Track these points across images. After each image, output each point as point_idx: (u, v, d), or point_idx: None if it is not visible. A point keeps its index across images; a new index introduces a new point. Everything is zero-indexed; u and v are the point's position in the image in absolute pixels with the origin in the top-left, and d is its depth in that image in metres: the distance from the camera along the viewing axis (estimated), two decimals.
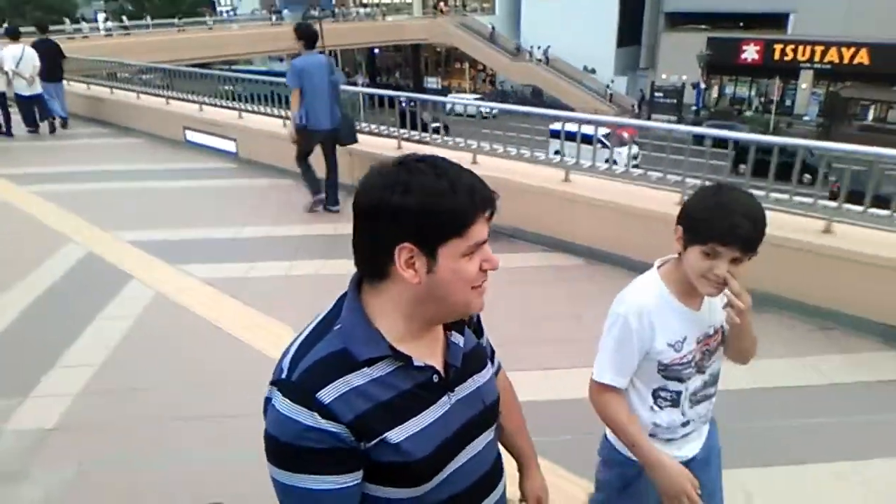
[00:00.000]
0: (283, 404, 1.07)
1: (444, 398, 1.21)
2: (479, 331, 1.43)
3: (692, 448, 1.91)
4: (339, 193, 6.67)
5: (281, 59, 54.36)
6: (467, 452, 1.25)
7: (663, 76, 36.70)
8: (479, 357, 1.35)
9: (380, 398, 1.11)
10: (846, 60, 32.26)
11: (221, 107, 9.54)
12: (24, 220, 6.67)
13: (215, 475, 3.02)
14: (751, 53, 34.75)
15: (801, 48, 33.21)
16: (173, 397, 3.73)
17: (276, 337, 4.15)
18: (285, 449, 1.08)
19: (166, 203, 7.39)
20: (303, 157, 6.50)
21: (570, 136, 5.95)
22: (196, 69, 10.46)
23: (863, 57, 31.81)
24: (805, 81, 33.79)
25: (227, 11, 53.89)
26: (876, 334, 4.17)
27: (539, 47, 39.30)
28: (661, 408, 1.82)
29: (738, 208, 1.54)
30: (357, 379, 1.10)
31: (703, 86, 34.63)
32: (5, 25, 14.60)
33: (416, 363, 1.16)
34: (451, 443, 1.21)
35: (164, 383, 3.87)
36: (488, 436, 1.33)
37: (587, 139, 5.98)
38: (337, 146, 6.55)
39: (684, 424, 1.84)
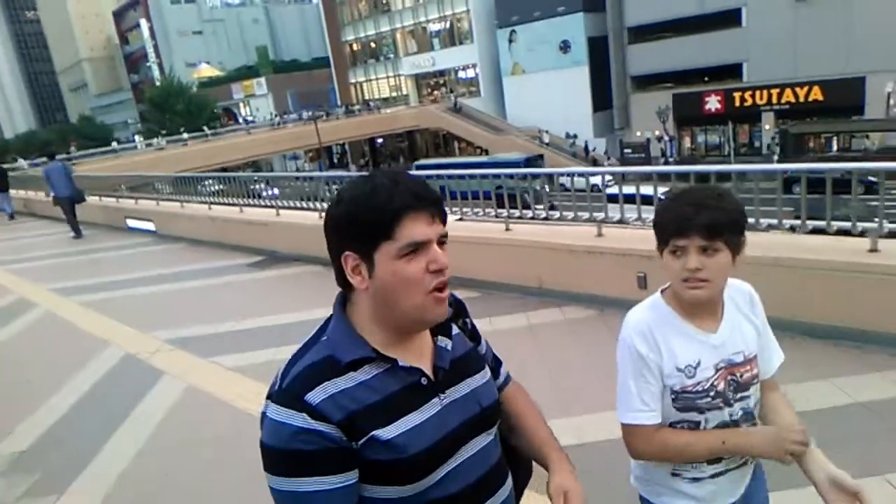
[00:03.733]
0: (274, 411, 1.06)
1: (435, 399, 1.16)
2: (475, 337, 1.37)
3: (728, 495, 1.58)
4: None
5: (296, 157, 56.11)
6: (464, 453, 1.20)
7: (637, 133, 37.36)
8: (473, 361, 1.29)
9: (367, 400, 1.08)
10: (802, 99, 32.67)
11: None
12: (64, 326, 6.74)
13: None
14: (713, 103, 35.29)
15: (758, 93, 33.74)
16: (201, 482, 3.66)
17: None
18: (279, 454, 1.05)
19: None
20: None
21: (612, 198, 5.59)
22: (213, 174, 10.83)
23: (816, 94, 32.20)
24: (767, 123, 34.12)
25: (248, 119, 55.75)
26: None
27: (561, 135, 40.09)
28: None
29: (689, 200, 1.43)
30: (344, 382, 1.08)
31: (667, 137, 35.11)
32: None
33: (401, 364, 1.12)
34: (445, 442, 1.15)
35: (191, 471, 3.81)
36: (487, 437, 1.25)
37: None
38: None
39: (712, 462, 1.53)
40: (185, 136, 38.04)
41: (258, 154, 39.92)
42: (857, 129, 30.07)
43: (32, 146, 54.51)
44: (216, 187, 11.04)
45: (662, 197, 1.74)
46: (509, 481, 1.31)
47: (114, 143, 39.20)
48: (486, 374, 1.30)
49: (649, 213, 5.42)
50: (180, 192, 11.76)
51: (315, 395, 1.04)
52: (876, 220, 4.13)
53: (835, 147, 31.03)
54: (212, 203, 10.46)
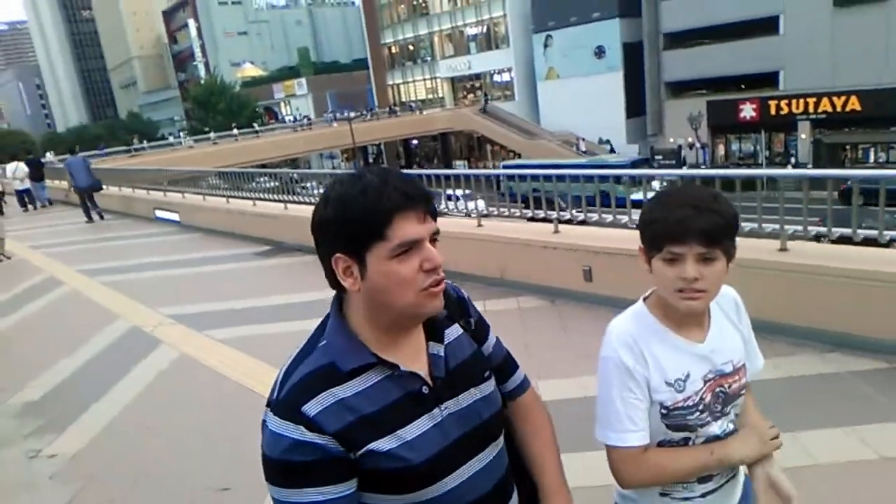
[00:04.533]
0: (272, 421, 1.05)
1: (435, 410, 1.14)
2: (479, 335, 1.31)
3: None
4: None
5: (332, 157, 57.36)
6: (472, 466, 1.17)
7: (671, 140, 37.20)
8: (474, 369, 1.23)
9: (365, 411, 1.06)
10: (839, 108, 32.06)
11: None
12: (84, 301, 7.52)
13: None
14: (748, 111, 34.94)
15: (794, 102, 33.24)
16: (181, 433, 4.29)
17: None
18: (277, 465, 1.04)
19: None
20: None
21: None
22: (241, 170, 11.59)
23: (854, 104, 31.59)
24: (804, 132, 33.65)
25: (290, 118, 57.28)
26: None
27: (594, 141, 40.19)
28: None
29: (684, 201, 1.30)
30: (342, 391, 1.06)
31: (698, 144, 34.96)
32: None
33: (403, 369, 1.11)
34: (447, 455, 1.12)
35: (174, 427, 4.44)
36: (493, 450, 1.22)
37: None
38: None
39: (703, 480, 1.43)
40: (212, 135, 39.83)
41: (293, 153, 41.16)
42: (894, 140, 29.51)
43: (83, 140, 56.96)
44: (253, 183, 11.71)
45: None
46: (515, 496, 1.28)
47: (169, 138, 41.36)
48: (490, 385, 1.25)
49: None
50: (210, 186, 12.59)
51: (312, 407, 1.03)
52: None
53: (871, 158, 30.59)
54: (229, 197, 11.22)
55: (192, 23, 75.67)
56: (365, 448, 1.05)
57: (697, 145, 35.11)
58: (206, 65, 74.39)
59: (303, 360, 1.10)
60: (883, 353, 3.88)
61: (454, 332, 1.24)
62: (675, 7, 36.60)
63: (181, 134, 52.58)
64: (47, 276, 9.13)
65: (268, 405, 1.09)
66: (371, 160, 57.15)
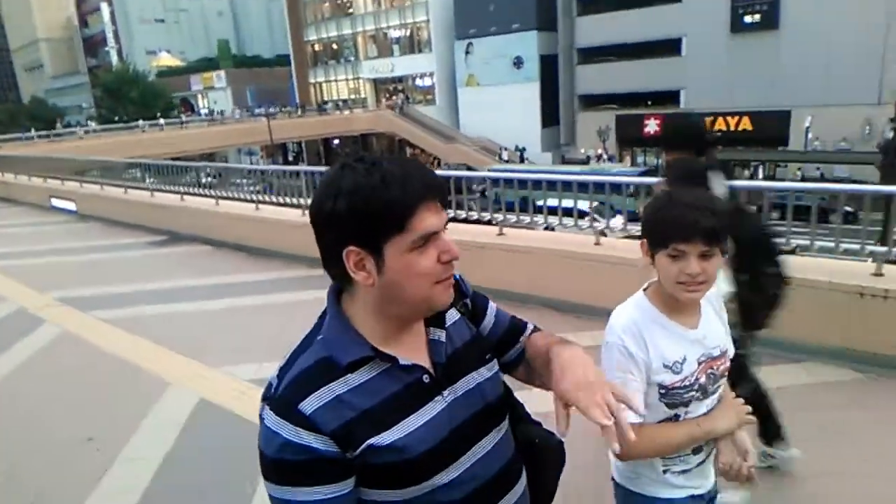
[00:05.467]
0: (269, 418, 1.03)
1: (438, 398, 1.12)
2: (478, 317, 1.30)
3: (710, 479, 1.70)
4: None
5: (251, 153, 56.54)
6: (476, 452, 1.15)
7: (582, 150, 39.11)
8: (474, 352, 1.22)
9: (364, 405, 1.04)
10: (733, 127, 34.70)
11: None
12: None
13: None
14: (652, 126, 37.10)
15: None
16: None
17: None
18: (272, 463, 1.02)
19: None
20: None
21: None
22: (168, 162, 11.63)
23: (746, 123, 34.31)
24: None
25: (206, 111, 56.02)
26: None
27: (511, 148, 41.14)
28: None
29: (689, 202, 1.48)
30: (340, 387, 1.04)
31: (605, 156, 37.07)
32: None
33: (402, 362, 1.08)
34: (450, 443, 1.11)
35: None
36: (496, 436, 1.21)
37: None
38: None
39: (696, 451, 1.63)
40: (145, 122, 38.55)
41: (206, 147, 40.34)
42: (779, 159, 32.31)
43: None
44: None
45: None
46: (523, 478, 1.27)
47: (76, 128, 39.50)
48: (493, 366, 1.24)
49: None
50: (106, 177, 12.70)
51: (309, 404, 1.01)
52: None
53: (761, 174, 33.25)
54: (127, 187, 11.42)
55: (104, 6, 72.53)
56: (364, 444, 1.03)
57: (605, 156, 37.12)
58: (119, 51, 71.51)
59: (300, 355, 1.08)
60: None
61: (452, 315, 1.22)
62: (588, 24, 38.64)
63: (89, 122, 50.47)
64: None
65: (264, 399, 1.07)
66: (291, 158, 56.72)
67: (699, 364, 1.56)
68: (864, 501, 2.92)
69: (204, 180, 10.58)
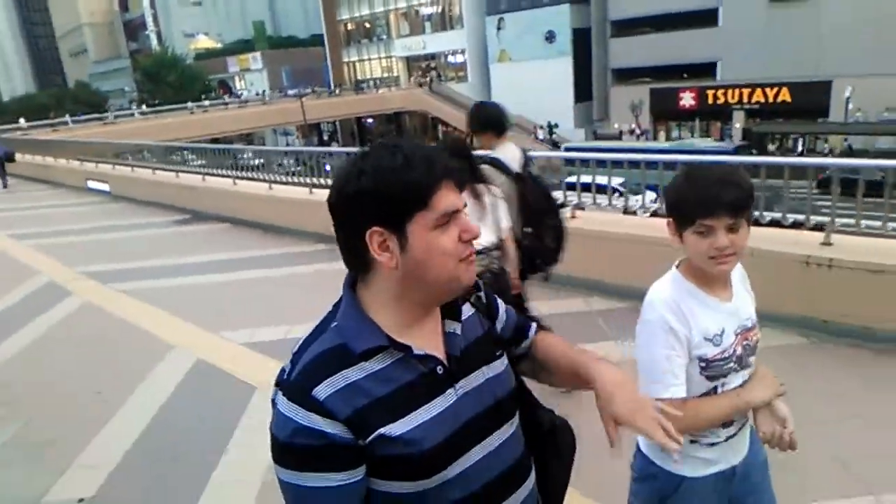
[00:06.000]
0: (282, 403, 1.04)
1: (450, 390, 1.13)
2: (492, 313, 1.31)
3: (738, 454, 1.71)
4: None
5: (286, 133, 57.54)
6: (482, 448, 1.15)
7: (615, 126, 38.74)
8: (488, 346, 1.23)
9: (377, 393, 1.05)
10: (771, 99, 34.02)
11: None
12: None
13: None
14: (687, 100, 36.69)
15: (730, 92, 35.07)
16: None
17: None
18: (285, 448, 1.03)
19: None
20: None
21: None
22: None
23: (785, 95, 33.55)
24: (738, 121, 35.47)
25: (243, 93, 57.08)
26: None
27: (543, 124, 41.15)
28: None
29: (712, 177, 1.49)
30: (354, 374, 1.05)
31: (639, 130, 36.70)
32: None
33: (416, 352, 1.09)
34: (461, 436, 1.12)
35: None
36: (506, 432, 1.21)
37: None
38: None
39: (726, 425, 1.64)
40: (191, 105, 39.65)
41: (243, 128, 41.40)
42: (818, 131, 31.47)
43: (30, 109, 55.89)
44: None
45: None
46: (532, 475, 1.28)
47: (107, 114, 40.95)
48: (504, 362, 1.25)
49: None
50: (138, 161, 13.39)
51: (323, 390, 1.02)
52: None
53: (800, 147, 32.51)
54: (154, 168, 12.04)
55: None
56: (376, 433, 1.04)
57: (638, 131, 36.73)
58: (159, 35, 73.25)
59: (314, 341, 1.09)
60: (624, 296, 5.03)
61: (467, 310, 1.23)
62: None
63: (132, 105, 52.11)
64: None
65: (277, 384, 1.08)
66: (326, 138, 57.50)
67: (736, 336, 1.60)
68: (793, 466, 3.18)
69: (255, 162, 10.83)
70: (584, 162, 6.17)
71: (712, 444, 1.65)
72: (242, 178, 9.92)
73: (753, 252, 3.98)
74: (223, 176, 10.20)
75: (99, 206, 12.66)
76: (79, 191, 14.41)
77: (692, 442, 1.63)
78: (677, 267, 1.63)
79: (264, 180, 9.44)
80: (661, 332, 1.55)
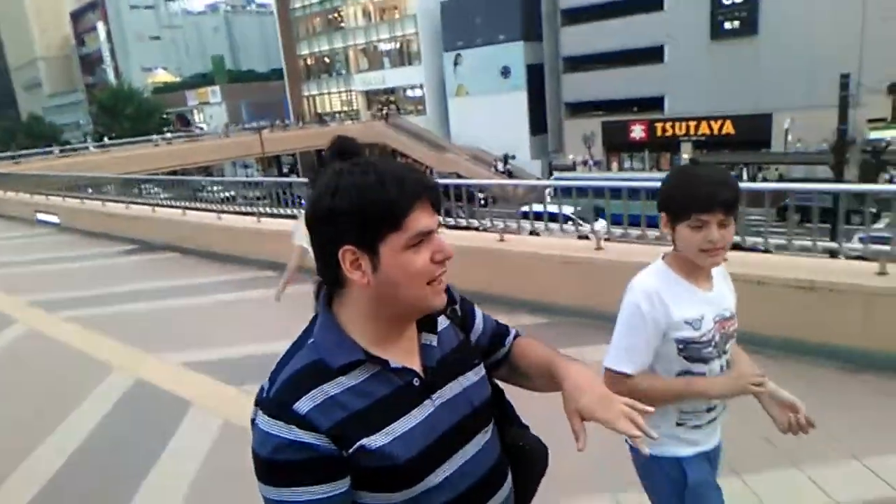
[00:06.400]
0: (262, 420, 1.04)
1: (427, 401, 1.14)
2: (466, 323, 1.33)
3: (716, 437, 1.88)
4: None
5: (246, 166, 57.47)
6: (460, 457, 1.17)
7: (570, 157, 39.87)
8: (464, 356, 1.26)
9: (356, 407, 1.06)
10: (716, 131, 35.43)
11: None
12: None
13: None
14: (638, 132, 37.99)
15: (677, 124, 36.47)
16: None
17: None
18: (267, 464, 1.03)
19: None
20: None
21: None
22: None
23: (729, 127, 35.01)
24: (686, 152, 36.83)
25: (203, 126, 57.11)
26: None
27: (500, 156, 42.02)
28: None
29: (706, 176, 1.64)
30: (332, 388, 1.06)
31: (591, 161, 37.81)
32: None
33: (392, 366, 1.10)
34: (438, 446, 1.13)
35: None
36: (483, 438, 1.23)
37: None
38: None
39: (709, 409, 1.80)
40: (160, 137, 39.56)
41: (201, 161, 41.28)
42: (760, 161, 32.93)
43: None
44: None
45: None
46: (509, 479, 1.30)
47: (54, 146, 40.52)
48: (480, 371, 1.27)
49: None
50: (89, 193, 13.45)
51: (303, 405, 1.03)
52: None
53: (745, 177, 33.88)
54: (105, 200, 12.16)
55: (101, 26, 73.88)
56: (356, 445, 1.05)
57: (591, 162, 37.89)
58: (116, 69, 72.80)
59: (291, 358, 1.10)
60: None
61: (442, 322, 1.25)
62: (572, 33, 39.44)
63: (87, 139, 51.62)
64: None
65: (256, 404, 1.08)
66: (287, 170, 57.57)
67: (714, 322, 1.75)
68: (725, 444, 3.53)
69: (224, 195, 11.00)
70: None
71: (696, 426, 1.80)
72: (192, 208, 10.13)
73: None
74: (176, 207, 10.41)
75: (48, 237, 12.70)
76: (28, 223, 14.38)
77: (678, 424, 1.78)
78: (663, 258, 1.80)
79: (214, 210, 9.68)
80: (629, 314, 1.73)
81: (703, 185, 1.60)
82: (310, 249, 1.15)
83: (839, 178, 17.89)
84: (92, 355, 5.69)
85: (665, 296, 1.69)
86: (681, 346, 1.71)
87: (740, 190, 1.65)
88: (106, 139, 41.40)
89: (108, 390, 4.87)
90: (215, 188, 11.61)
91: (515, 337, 1.41)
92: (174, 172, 31.60)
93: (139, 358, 5.50)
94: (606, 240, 5.56)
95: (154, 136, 39.63)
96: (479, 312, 1.38)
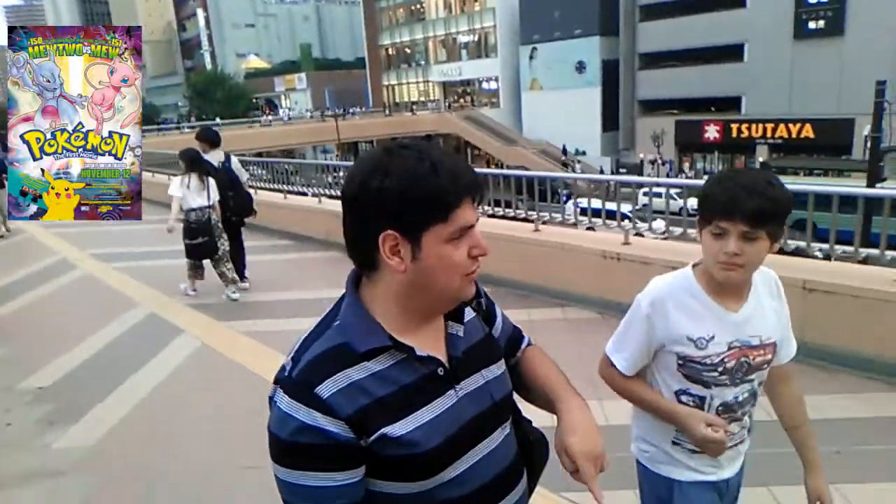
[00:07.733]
0: (283, 401, 1.03)
1: (451, 391, 1.12)
2: (490, 316, 1.33)
3: (732, 469, 1.71)
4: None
5: (325, 151, 60.12)
6: (480, 450, 1.15)
7: (641, 155, 39.72)
8: (487, 349, 1.24)
9: (379, 393, 1.05)
10: (794, 135, 34.54)
11: None
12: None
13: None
14: (712, 132, 37.47)
15: (753, 126, 35.76)
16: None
17: None
18: (284, 446, 1.02)
19: None
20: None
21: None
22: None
23: (808, 131, 34.04)
24: (761, 155, 36.06)
25: (287, 111, 60.25)
26: None
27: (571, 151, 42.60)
28: None
29: (740, 182, 1.44)
30: (357, 373, 1.04)
31: (660, 161, 37.50)
32: None
33: (418, 353, 1.09)
34: (460, 437, 1.11)
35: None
36: (503, 432, 1.22)
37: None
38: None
39: None
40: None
41: (283, 145, 43.95)
42: (835, 167, 31.79)
43: None
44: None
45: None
46: (525, 478, 1.29)
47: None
48: (501, 366, 1.26)
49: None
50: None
51: (325, 388, 1.02)
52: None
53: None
54: (170, 175, 13.88)
55: (200, 12, 78.73)
56: (377, 433, 1.04)
57: (660, 161, 37.67)
58: (213, 54, 77.44)
59: (316, 339, 1.08)
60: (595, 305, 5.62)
61: (469, 312, 1.25)
62: (650, 29, 39.33)
63: (180, 120, 55.65)
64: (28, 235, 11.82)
65: (276, 382, 1.07)
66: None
67: (730, 348, 1.56)
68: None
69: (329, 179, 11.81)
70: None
71: (694, 452, 1.65)
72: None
73: (575, 249, 5.32)
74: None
75: None
76: None
77: (674, 443, 1.67)
78: (694, 266, 1.64)
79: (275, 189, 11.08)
80: (632, 309, 1.66)
81: (729, 189, 1.44)
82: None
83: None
84: (124, 293, 7.13)
85: (671, 305, 1.58)
86: (680, 362, 1.59)
87: (784, 203, 1.44)
88: (193, 119, 44.71)
89: (129, 318, 6.24)
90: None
91: (528, 345, 1.43)
92: (259, 154, 34.09)
93: (154, 296, 6.90)
94: (637, 235, 5.70)
95: (246, 119, 42.54)
96: (499, 311, 1.38)
